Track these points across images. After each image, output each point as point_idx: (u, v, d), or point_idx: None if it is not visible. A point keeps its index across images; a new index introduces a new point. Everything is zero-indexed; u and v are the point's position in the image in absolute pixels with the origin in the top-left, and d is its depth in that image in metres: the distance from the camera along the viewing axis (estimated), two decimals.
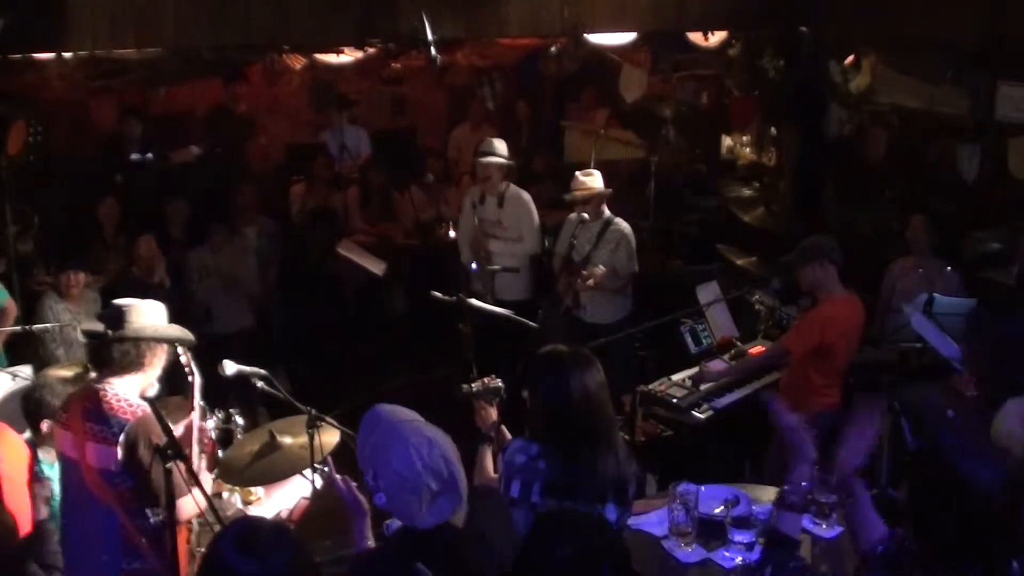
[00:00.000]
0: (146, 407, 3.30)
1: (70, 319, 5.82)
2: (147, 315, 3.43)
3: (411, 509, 2.56)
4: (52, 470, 3.86)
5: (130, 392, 3.36)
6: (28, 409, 3.84)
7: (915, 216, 6.04)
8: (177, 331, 3.49)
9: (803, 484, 2.74)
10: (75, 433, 3.31)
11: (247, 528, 2.35)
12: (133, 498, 3.26)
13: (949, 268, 5.88)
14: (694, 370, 5.46)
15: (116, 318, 3.38)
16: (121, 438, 3.22)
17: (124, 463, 3.21)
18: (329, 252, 7.49)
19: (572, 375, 3.10)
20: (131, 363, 3.37)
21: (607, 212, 6.19)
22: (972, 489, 2.25)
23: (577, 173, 6.22)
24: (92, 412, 3.30)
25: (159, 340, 3.43)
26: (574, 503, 3.01)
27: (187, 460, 3.12)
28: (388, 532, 3.03)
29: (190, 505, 3.28)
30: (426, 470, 2.54)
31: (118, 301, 3.46)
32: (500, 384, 3.62)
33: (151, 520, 3.29)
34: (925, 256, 5.93)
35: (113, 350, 3.35)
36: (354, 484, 2.95)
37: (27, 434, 4.04)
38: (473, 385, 3.66)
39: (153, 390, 3.48)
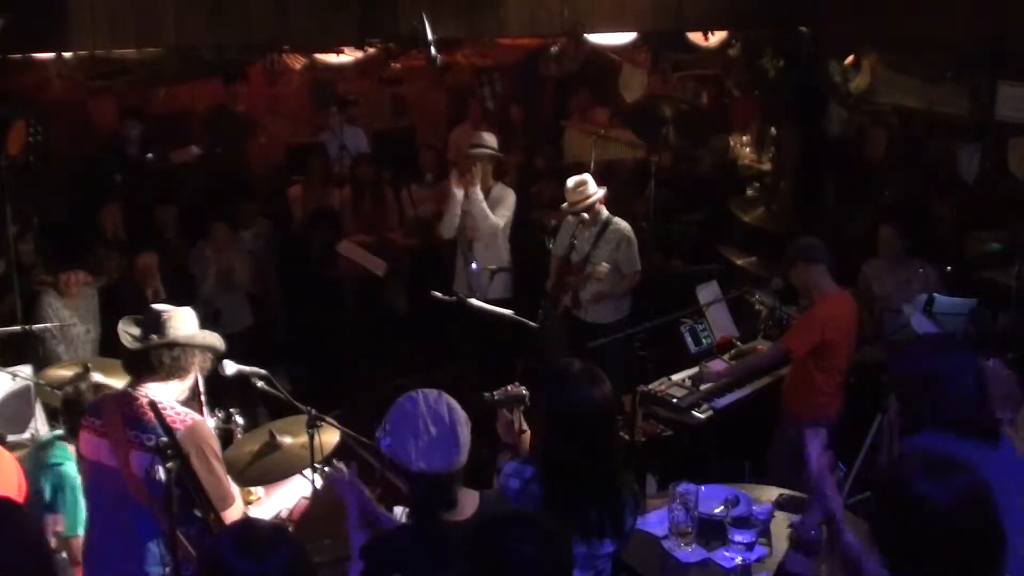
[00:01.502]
0: (194, 415, 3.32)
1: (69, 316, 5.83)
2: (188, 321, 3.44)
3: (407, 446, 2.64)
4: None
5: (170, 398, 3.34)
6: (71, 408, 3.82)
7: (883, 227, 6.02)
8: (216, 338, 3.51)
9: (812, 531, 2.73)
10: (115, 441, 3.26)
11: (245, 529, 2.36)
12: (179, 504, 3.21)
13: (949, 268, 5.89)
14: (694, 370, 5.46)
15: (160, 324, 3.36)
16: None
17: (175, 476, 3.13)
18: (329, 252, 7.50)
19: (578, 392, 2.95)
20: (179, 370, 3.37)
21: (605, 212, 6.19)
22: (926, 510, 2.16)
23: (569, 183, 6.16)
24: (133, 420, 3.26)
25: (205, 348, 3.44)
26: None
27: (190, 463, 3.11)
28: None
29: (237, 511, 3.34)
30: (428, 411, 2.68)
31: (157, 307, 3.47)
32: (524, 392, 3.54)
33: (196, 525, 3.25)
34: (899, 259, 5.95)
35: (163, 356, 3.33)
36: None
37: (27, 433, 4.04)
38: (496, 393, 3.61)
39: (184, 395, 3.48)
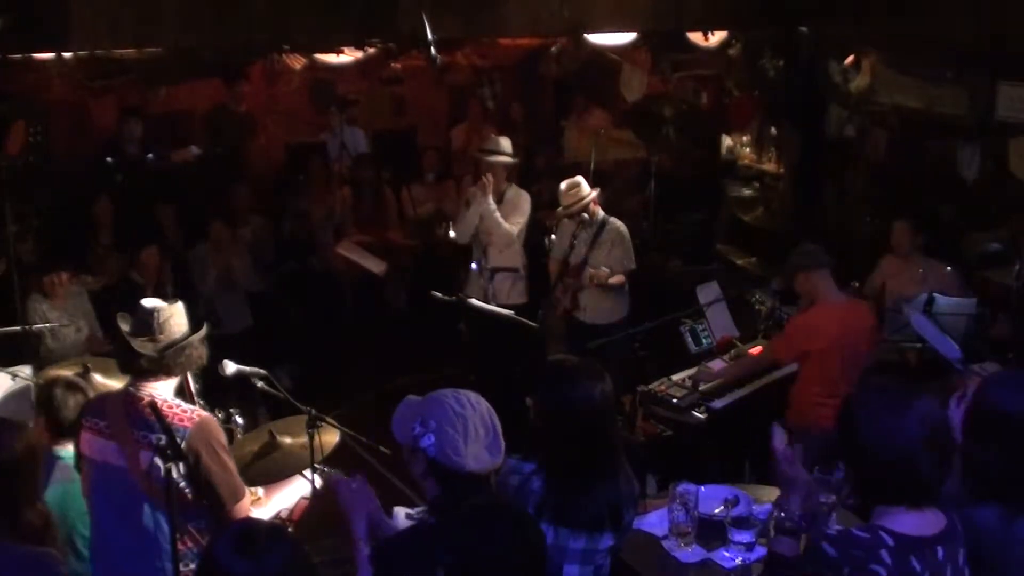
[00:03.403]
0: (200, 411, 3.31)
1: (58, 317, 5.81)
2: (183, 315, 3.40)
3: (457, 445, 2.63)
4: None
5: (171, 394, 3.34)
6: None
7: (897, 222, 6.01)
8: (204, 328, 3.46)
9: (796, 512, 2.77)
10: (123, 442, 3.25)
11: (243, 529, 2.36)
12: (192, 502, 3.22)
13: (949, 268, 5.88)
14: (694, 370, 5.46)
15: (160, 324, 3.32)
16: (183, 446, 3.13)
17: (187, 473, 3.12)
18: (302, 237, 7.52)
19: (579, 386, 2.96)
20: (179, 368, 3.35)
21: (601, 213, 6.18)
22: (890, 438, 2.35)
23: (561, 186, 6.15)
24: (140, 420, 3.23)
25: (203, 341, 3.40)
26: (569, 529, 2.92)
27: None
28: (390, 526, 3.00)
29: (247, 505, 3.36)
30: (475, 413, 2.69)
31: (149, 305, 3.38)
32: None
33: (207, 520, 3.26)
34: (915, 257, 5.93)
35: (179, 358, 3.31)
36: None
37: None
38: None
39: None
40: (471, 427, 2.67)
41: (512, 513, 2.42)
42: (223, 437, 3.34)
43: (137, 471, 3.22)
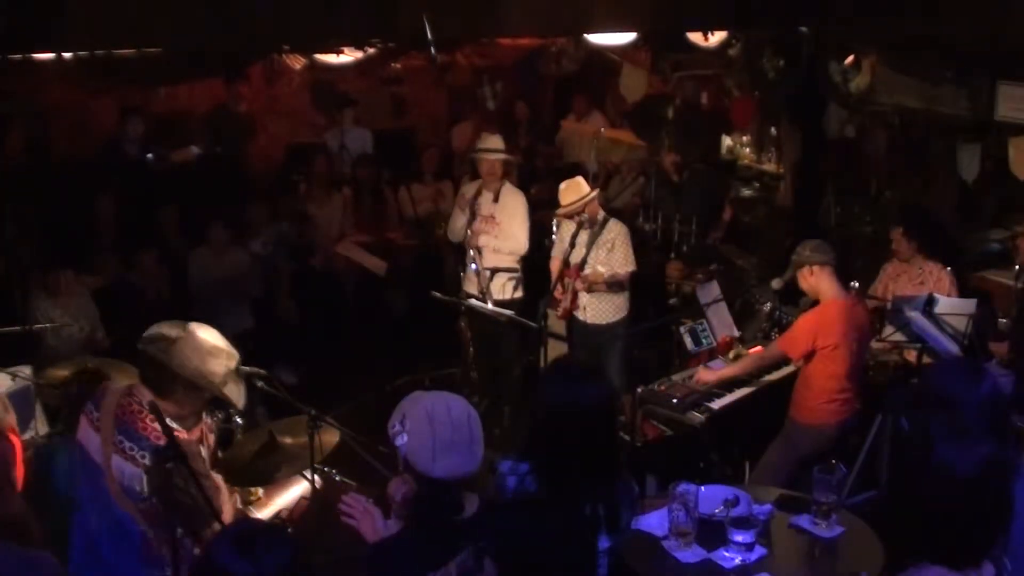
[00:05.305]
0: (184, 432, 3.25)
1: (60, 315, 5.82)
2: (194, 351, 3.22)
3: (426, 452, 2.64)
4: None
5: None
6: None
7: (894, 229, 6.02)
8: (218, 389, 3.30)
9: None
10: (104, 441, 3.20)
11: (243, 529, 2.36)
12: (159, 513, 3.14)
13: (948, 268, 5.89)
14: (694, 370, 5.46)
15: (168, 342, 3.21)
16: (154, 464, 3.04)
17: (155, 489, 3.05)
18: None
19: (579, 388, 2.96)
20: (163, 390, 3.23)
21: (602, 213, 6.17)
22: (943, 472, 2.20)
23: (561, 186, 6.14)
24: (123, 425, 3.20)
25: (197, 382, 3.25)
26: None
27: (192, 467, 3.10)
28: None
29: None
30: (451, 417, 2.68)
31: (185, 324, 3.27)
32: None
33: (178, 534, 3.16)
34: (916, 260, 5.95)
35: (150, 371, 3.23)
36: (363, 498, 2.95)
37: (27, 434, 4.03)
38: None
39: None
40: (443, 436, 2.65)
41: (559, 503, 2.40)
42: (199, 462, 3.25)
43: (108, 473, 3.18)
